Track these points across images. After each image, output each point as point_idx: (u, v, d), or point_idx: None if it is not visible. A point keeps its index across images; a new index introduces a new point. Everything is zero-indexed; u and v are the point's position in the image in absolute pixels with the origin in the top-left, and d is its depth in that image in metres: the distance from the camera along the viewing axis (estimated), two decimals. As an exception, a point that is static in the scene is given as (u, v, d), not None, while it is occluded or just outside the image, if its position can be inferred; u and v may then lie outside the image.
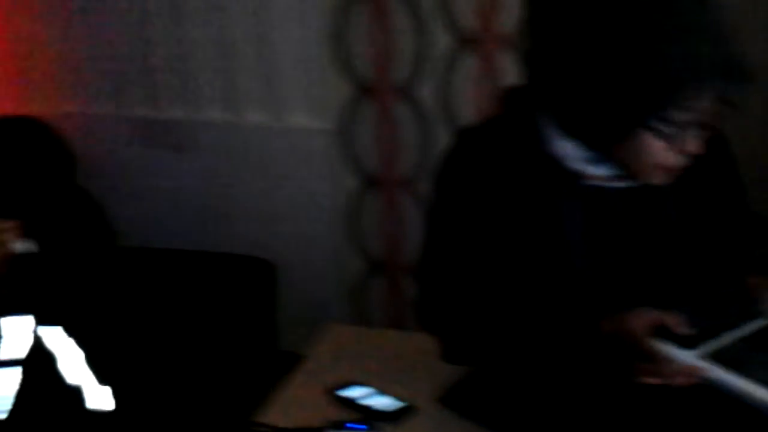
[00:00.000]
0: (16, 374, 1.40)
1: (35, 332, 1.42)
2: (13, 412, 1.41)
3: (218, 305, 2.27)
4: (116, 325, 1.55)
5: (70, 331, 1.44)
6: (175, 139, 2.42)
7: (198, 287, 2.30)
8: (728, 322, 1.15)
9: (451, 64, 2.16)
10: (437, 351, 1.33)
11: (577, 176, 1.17)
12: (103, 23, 2.36)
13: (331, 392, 1.43)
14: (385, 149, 2.31)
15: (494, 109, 1.28)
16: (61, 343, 1.44)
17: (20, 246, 1.33)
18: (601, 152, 1.14)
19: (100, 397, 1.46)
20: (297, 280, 2.46)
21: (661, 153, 1.09)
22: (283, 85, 2.30)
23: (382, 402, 1.40)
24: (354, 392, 1.42)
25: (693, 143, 1.09)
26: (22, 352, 1.40)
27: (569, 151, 1.15)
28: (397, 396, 1.41)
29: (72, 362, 1.45)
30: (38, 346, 1.42)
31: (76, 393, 1.45)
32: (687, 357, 1.09)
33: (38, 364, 1.42)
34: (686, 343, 1.11)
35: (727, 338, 1.13)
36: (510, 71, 2.07)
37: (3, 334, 1.38)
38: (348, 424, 1.34)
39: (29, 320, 1.39)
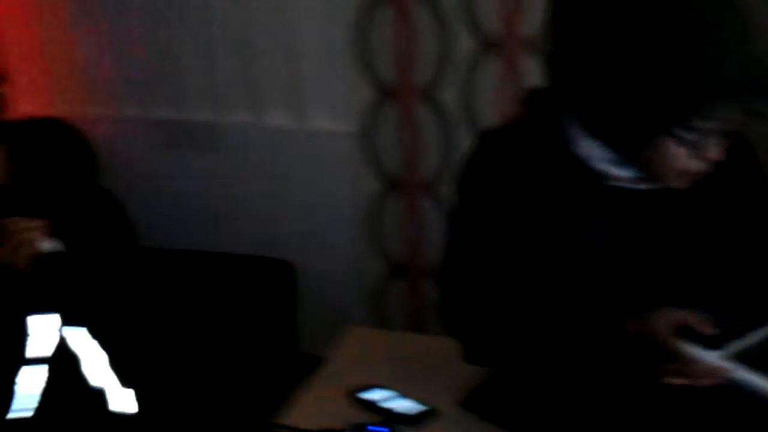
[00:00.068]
0: (42, 372, 1.41)
1: (60, 332, 1.42)
2: (38, 411, 1.42)
3: (239, 307, 2.28)
4: (139, 327, 1.56)
5: (95, 333, 1.45)
6: (199, 141, 2.44)
7: (219, 289, 2.31)
8: (753, 322, 1.14)
9: (473, 67, 2.15)
10: (459, 352, 1.32)
11: (600, 177, 1.17)
12: (128, 27, 2.37)
13: (352, 395, 1.43)
14: (406, 152, 2.30)
15: (517, 111, 1.28)
16: (85, 345, 1.44)
17: (47, 245, 1.33)
18: (624, 154, 1.14)
19: (123, 400, 1.47)
20: (317, 282, 2.46)
21: (683, 158, 1.10)
22: (306, 88, 2.30)
23: (404, 405, 1.40)
24: (375, 395, 1.42)
25: (715, 150, 1.10)
26: (48, 351, 1.41)
27: (593, 152, 1.16)
28: (418, 399, 1.41)
29: (95, 364, 1.45)
30: (62, 346, 1.43)
31: (99, 395, 1.46)
32: (712, 357, 1.09)
33: (62, 364, 1.43)
34: (710, 343, 1.10)
35: (751, 338, 1.12)
36: (533, 74, 2.06)
37: (30, 332, 1.39)
38: (369, 427, 1.34)
39: (55, 319, 1.40)
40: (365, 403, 1.41)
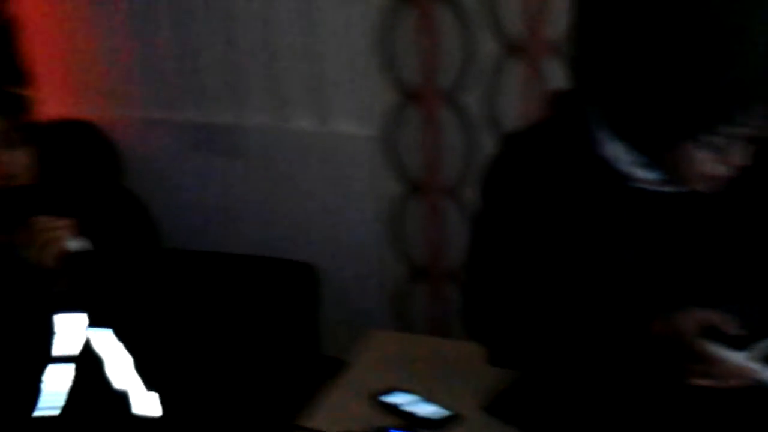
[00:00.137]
0: (69, 371, 1.42)
1: (86, 332, 1.44)
2: (65, 410, 1.43)
3: (261, 309, 2.28)
4: (163, 329, 1.57)
5: (121, 336, 1.46)
6: (222, 143, 2.45)
7: (242, 291, 2.32)
8: None
9: (497, 70, 2.14)
10: (484, 355, 1.32)
11: (626, 179, 1.17)
12: (153, 30, 2.39)
13: (374, 398, 1.43)
14: (429, 155, 2.30)
15: (541, 114, 1.28)
16: (109, 347, 1.45)
17: (74, 243, 1.35)
18: (650, 157, 1.14)
19: (146, 403, 1.48)
20: (339, 285, 2.46)
21: (709, 163, 1.10)
22: (329, 91, 2.31)
23: (427, 409, 1.39)
24: (398, 398, 1.42)
25: (741, 155, 1.10)
26: (75, 350, 1.42)
27: (619, 154, 1.16)
28: (441, 404, 1.40)
29: (119, 367, 1.46)
30: (87, 347, 1.44)
31: (122, 398, 1.47)
32: (738, 358, 1.09)
33: (86, 365, 1.44)
34: (736, 344, 1.10)
35: None
36: (557, 77, 2.05)
37: (56, 330, 1.40)
38: (392, 430, 1.34)
39: (82, 318, 1.41)
40: (388, 407, 1.41)
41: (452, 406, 1.40)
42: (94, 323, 1.42)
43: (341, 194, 2.39)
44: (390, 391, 1.44)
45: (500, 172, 1.27)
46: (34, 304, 1.40)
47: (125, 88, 2.48)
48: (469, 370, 1.48)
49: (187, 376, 1.74)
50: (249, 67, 2.35)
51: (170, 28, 2.38)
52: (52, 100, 2.45)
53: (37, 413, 1.43)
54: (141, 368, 1.47)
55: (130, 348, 1.47)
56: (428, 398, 1.42)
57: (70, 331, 1.41)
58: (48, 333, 1.39)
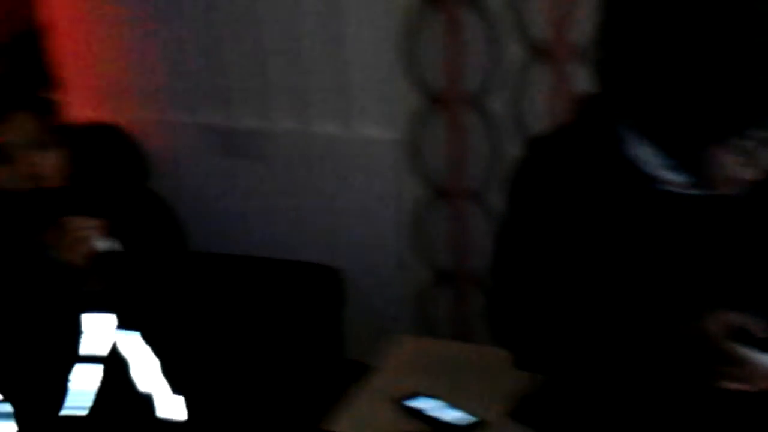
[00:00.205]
0: (97, 371, 1.43)
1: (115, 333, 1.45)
2: (92, 410, 1.44)
3: (285, 312, 2.29)
4: (189, 332, 1.57)
5: (148, 339, 1.46)
6: (247, 147, 2.46)
7: (266, 294, 2.32)
8: None
9: (522, 74, 2.14)
10: (509, 359, 1.31)
11: (653, 181, 1.16)
12: (179, 35, 2.41)
13: (399, 403, 1.43)
14: (454, 159, 2.30)
15: (567, 117, 1.27)
16: (136, 349, 1.46)
17: (103, 244, 1.36)
18: (678, 160, 1.13)
19: (172, 407, 1.48)
20: (363, 289, 2.46)
21: (737, 166, 1.09)
22: (355, 94, 2.31)
23: (452, 415, 1.39)
24: (422, 404, 1.42)
25: None
26: (103, 350, 1.43)
27: (647, 157, 1.15)
28: (466, 409, 1.40)
29: (146, 369, 1.47)
30: (113, 349, 1.45)
31: (147, 401, 1.48)
32: None
33: (114, 367, 1.45)
34: (765, 346, 1.08)
35: None
36: (582, 82, 2.04)
37: (84, 329, 1.41)
38: (416, 436, 1.33)
39: (111, 318, 1.42)
40: (412, 412, 1.41)
41: (477, 412, 1.40)
42: (122, 325, 1.44)
43: (365, 198, 2.39)
44: (414, 396, 1.44)
45: (526, 175, 1.27)
46: (62, 302, 1.41)
47: (151, 92, 2.50)
48: (493, 375, 1.48)
49: (212, 379, 1.75)
50: (274, 70, 2.35)
51: (196, 33, 2.39)
52: (79, 104, 2.48)
53: (64, 412, 1.44)
54: (167, 371, 1.48)
55: (157, 351, 1.48)
56: (453, 403, 1.41)
57: (99, 331, 1.42)
58: (76, 332, 1.40)
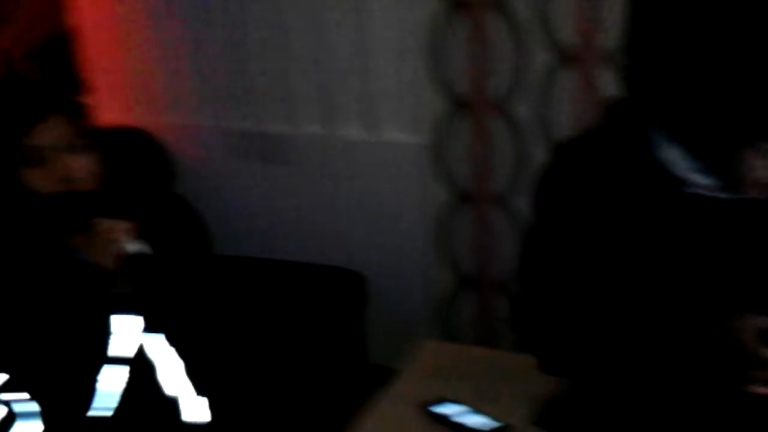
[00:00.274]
0: (123, 373, 1.44)
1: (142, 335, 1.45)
2: (117, 411, 1.45)
3: (309, 315, 2.29)
4: (214, 335, 1.58)
5: (172, 340, 1.47)
6: (272, 151, 2.47)
7: (289, 298, 2.33)
8: None
9: (549, 79, 2.13)
10: (535, 363, 1.30)
11: (682, 184, 1.15)
12: (206, 40, 2.43)
13: (424, 408, 1.42)
14: (478, 164, 2.29)
15: (594, 122, 1.27)
16: (162, 352, 1.47)
17: (133, 246, 1.37)
18: (707, 163, 1.13)
19: (196, 409, 1.49)
20: (386, 293, 2.46)
21: (766, 169, 1.09)
22: (380, 99, 2.31)
23: (477, 421, 1.38)
24: (448, 409, 1.41)
25: None
26: (129, 352, 1.44)
27: (676, 159, 1.14)
28: (491, 415, 1.39)
29: (171, 372, 1.48)
30: (140, 352, 1.46)
31: (172, 404, 1.48)
32: None
33: (139, 369, 1.46)
34: None
35: None
36: (609, 87, 2.03)
37: (113, 331, 1.42)
38: (442, 441, 1.33)
39: (138, 320, 1.43)
40: (438, 417, 1.40)
41: (501, 417, 1.39)
42: (148, 327, 1.44)
43: (390, 202, 2.39)
44: (439, 401, 1.43)
45: (552, 180, 1.27)
46: (92, 304, 1.42)
47: (178, 96, 2.52)
48: (518, 380, 1.47)
49: (236, 382, 1.75)
50: (300, 75, 2.36)
51: (223, 38, 2.41)
52: (105, 107, 2.50)
53: (91, 413, 1.45)
54: (192, 373, 1.49)
55: (182, 353, 1.49)
56: (478, 409, 1.41)
57: (126, 332, 1.43)
58: (104, 333, 1.41)
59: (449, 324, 2.48)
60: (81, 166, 1.40)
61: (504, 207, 2.30)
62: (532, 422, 1.38)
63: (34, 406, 1.44)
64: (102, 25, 2.51)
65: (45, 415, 1.44)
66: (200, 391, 1.49)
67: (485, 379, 1.53)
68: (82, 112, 1.48)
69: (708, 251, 1.17)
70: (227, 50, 2.42)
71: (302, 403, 2.09)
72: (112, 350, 1.42)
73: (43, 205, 1.39)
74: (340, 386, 2.21)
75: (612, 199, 1.19)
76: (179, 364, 1.49)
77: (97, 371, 1.42)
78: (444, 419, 1.40)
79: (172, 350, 1.48)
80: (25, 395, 1.43)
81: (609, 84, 2.04)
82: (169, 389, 1.48)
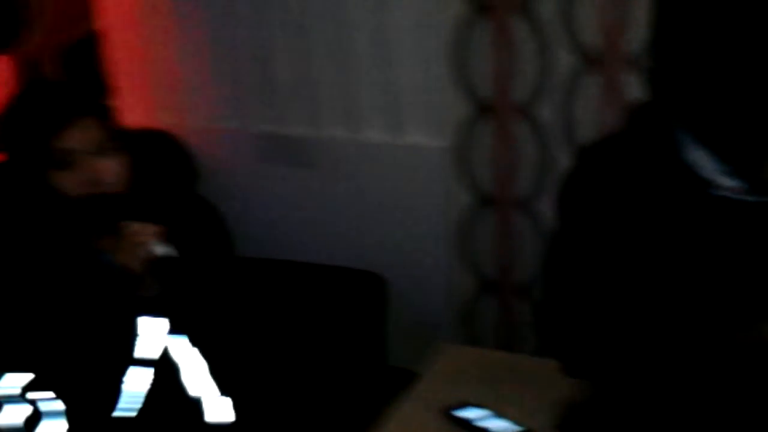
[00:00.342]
0: (148, 375, 1.45)
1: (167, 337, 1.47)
2: (141, 412, 1.47)
3: (329, 317, 2.29)
4: (237, 336, 1.59)
5: (195, 341, 1.48)
6: (295, 154, 2.48)
7: (309, 300, 2.33)
8: None
9: (573, 83, 2.12)
10: (559, 367, 1.30)
11: (708, 186, 1.15)
12: (229, 43, 2.44)
13: (446, 412, 1.42)
14: (501, 168, 2.28)
15: (618, 126, 1.27)
16: (185, 353, 1.48)
17: (161, 249, 1.39)
18: (734, 166, 1.12)
19: (220, 409, 1.50)
20: (407, 296, 2.46)
21: None
22: (403, 102, 2.31)
23: (500, 425, 1.38)
24: (470, 413, 1.41)
25: None
26: (155, 353, 1.45)
27: (703, 161, 1.13)
28: (513, 419, 1.39)
29: (195, 373, 1.49)
30: (164, 354, 1.47)
31: (196, 405, 1.49)
32: None
33: (164, 370, 1.47)
34: None
35: None
36: (634, 91, 2.01)
37: (139, 332, 1.43)
38: (465, 446, 1.33)
39: (164, 323, 1.45)
40: (460, 422, 1.40)
41: (524, 422, 1.38)
42: (173, 329, 1.46)
43: (412, 205, 2.39)
44: (462, 405, 1.43)
45: (577, 185, 1.26)
46: (119, 306, 1.43)
47: (201, 99, 2.54)
48: (540, 385, 1.47)
49: (258, 383, 1.76)
50: (323, 78, 2.37)
51: (246, 40, 2.42)
52: (129, 110, 2.52)
53: (115, 413, 1.46)
54: (216, 373, 1.50)
55: (205, 353, 1.50)
56: (500, 413, 1.41)
57: (152, 334, 1.44)
58: (131, 335, 1.43)
59: (470, 328, 2.47)
60: (110, 169, 1.42)
61: (527, 211, 2.29)
62: (554, 427, 1.37)
63: (60, 405, 1.46)
64: (126, 28, 2.53)
65: (70, 415, 1.46)
66: (224, 392, 1.50)
67: (507, 383, 1.53)
68: (111, 114, 1.49)
69: (734, 253, 1.16)
70: (252, 53, 2.43)
71: (323, 404, 2.09)
72: (138, 352, 1.43)
73: (71, 207, 1.40)
74: (360, 388, 2.21)
75: (638, 202, 1.19)
76: (203, 365, 1.50)
77: (123, 372, 1.43)
78: (466, 423, 1.39)
79: (195, 351, 1.49)
80: (51, 394, 1.44)
81: (634, 87, 2.02)
82: (193, 390, 1.49)
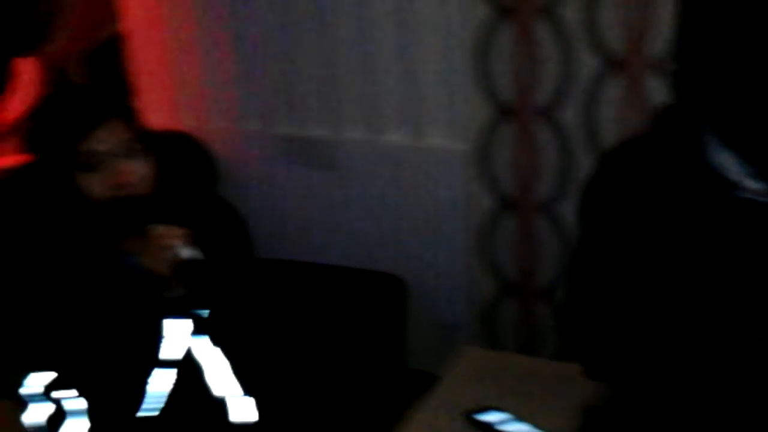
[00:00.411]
0: (171, 375, 1.46)
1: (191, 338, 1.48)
2: (163, 412, 1.48)
3: (349, 320, 2.30)
4: (259, 336, 1.60)
5: (217, 341, 1.49)
6: (316, 156, 2.49)
7: (329, 301, 2.34)
8: None
9: (596, 86, 2.11)
10: (581, 370, 1.29)
11: (734, 188, 1.14)
12: (251, 45, 2.45)
13: (468, 416, 1.42)
14: (523, 171, 2.28)
15: (642, 129, 1.26)
16: (208, 354, 1.49)
17: (187, 252, 1.39)
18: (760, 168, 1.12)
19: (244, 409, 1.50)
20: (428, 298, 2.46)
21: None
22: (424, 105, 2.31)
23: (521, 429, 1.38)
24: (492, 417, 1.41)
25: None
26: (178, 355, 1.46)
27: (728, 163, 1.13)
28: (534, 423, 1.39)
29: (217, 373, 1.49)
30: (188, 354, 1.48)
31: (220, 406, 1.50)
32: None
33: (187, 371, 1.48)
34: None
35: None
36: (657, 94, 2.00)
37: (164, 334, 1.44)
38: (486, 449, 1.33)
39: (188, 324, 1.46)
40: (481, 425, 1.40)
41: (545, 426, 1.38)
42: (196, 330, 1.46)
43: (433, 208, 2.39)
44: (483, 409, 1.43)
45: (600, 189, 1.26)
46: (145, 308, 1.44)
47: (223, 101, 2.55)
48: (561, 389, 1.46)
49: (280, 383, 1.77)
50: (344, 80, 2.38)
51: (268, 42, 2.43)
52: (151, 112, 2.54)
53: (140, 414, 1.48)
54: (239, 372, 1.50)
55: (228, 354, 1.51)
56: (521, 417, 1.40)
57: (176, 336, 1.45)
58: (156, 337, 1.44)
59: (491, 331, 2.47)
60: (135, 171, 1.43)
61: (548, 214, 2.29)
62: (575, 431, 1.37)
63: (82, 403, 1.47)
64: (149, 30, 2.55)
65: (93, 414, 1.47)
66: (247, 391, 1.51)
67: (528, 387, 1.53)
68: (136, 116, 1.50)
69: (759, 256, 1.15)
70: (274, 55, 2.44)
71: (343, 406, 2.10)
72: (163, 353, 1.44)
73: (97, 210, 1.41)
74: (380, 391, 2.21)
75: (662, 205, 1.18)
76: (226, 366, 1.50)
77: (148, 374, 1.44)
78: (488, 427, 1.39)
79: (217, 351, 1.50)
80: (74, 392, 1.46)
81: (657, 90, 2.01)
82: (216, 390, 1.50)
